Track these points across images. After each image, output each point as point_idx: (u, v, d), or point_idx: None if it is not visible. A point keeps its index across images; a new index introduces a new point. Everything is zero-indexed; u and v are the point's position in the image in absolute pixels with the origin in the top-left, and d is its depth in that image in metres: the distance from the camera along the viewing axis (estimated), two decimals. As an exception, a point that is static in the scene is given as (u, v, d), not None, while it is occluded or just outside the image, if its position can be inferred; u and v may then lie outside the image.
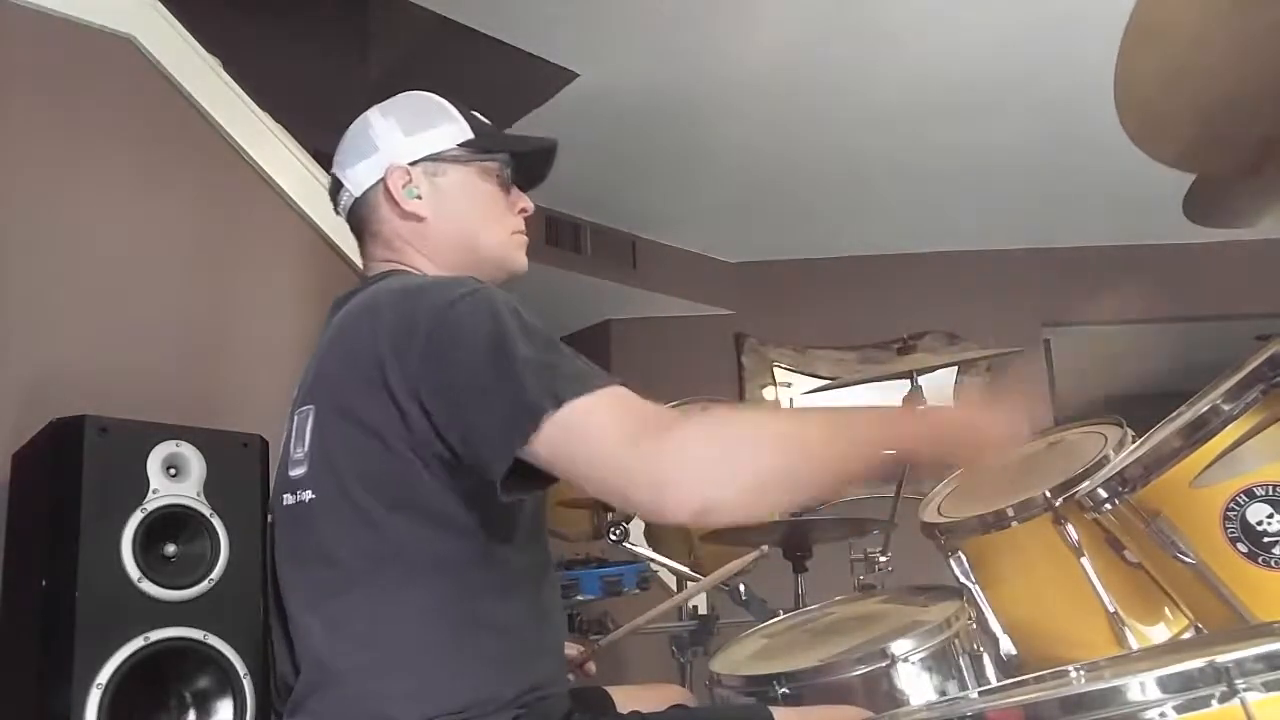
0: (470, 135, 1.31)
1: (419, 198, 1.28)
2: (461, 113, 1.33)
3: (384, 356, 1.09)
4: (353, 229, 1.35)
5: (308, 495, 1.15)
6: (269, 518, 1.26)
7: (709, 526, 2.02)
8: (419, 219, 1.28)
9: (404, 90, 1.36)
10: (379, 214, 1.30)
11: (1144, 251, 4.91)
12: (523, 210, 1.35)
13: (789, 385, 4.95)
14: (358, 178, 1.31)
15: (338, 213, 1.36)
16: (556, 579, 1.21)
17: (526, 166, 1.36)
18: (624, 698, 1.34)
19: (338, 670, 1.10)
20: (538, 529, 1.21)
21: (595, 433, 1.01)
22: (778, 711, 1.21)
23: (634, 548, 1.97)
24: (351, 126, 1.34)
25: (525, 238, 1.35)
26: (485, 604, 1.12)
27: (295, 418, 1.20)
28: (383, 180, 1.28)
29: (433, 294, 1.13)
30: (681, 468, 1.00)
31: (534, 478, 1.05)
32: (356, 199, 1.31)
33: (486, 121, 1.36)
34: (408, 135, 1.30)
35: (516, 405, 1.01)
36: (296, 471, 1.17)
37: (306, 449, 1.16)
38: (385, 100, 1.36)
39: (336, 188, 1.34)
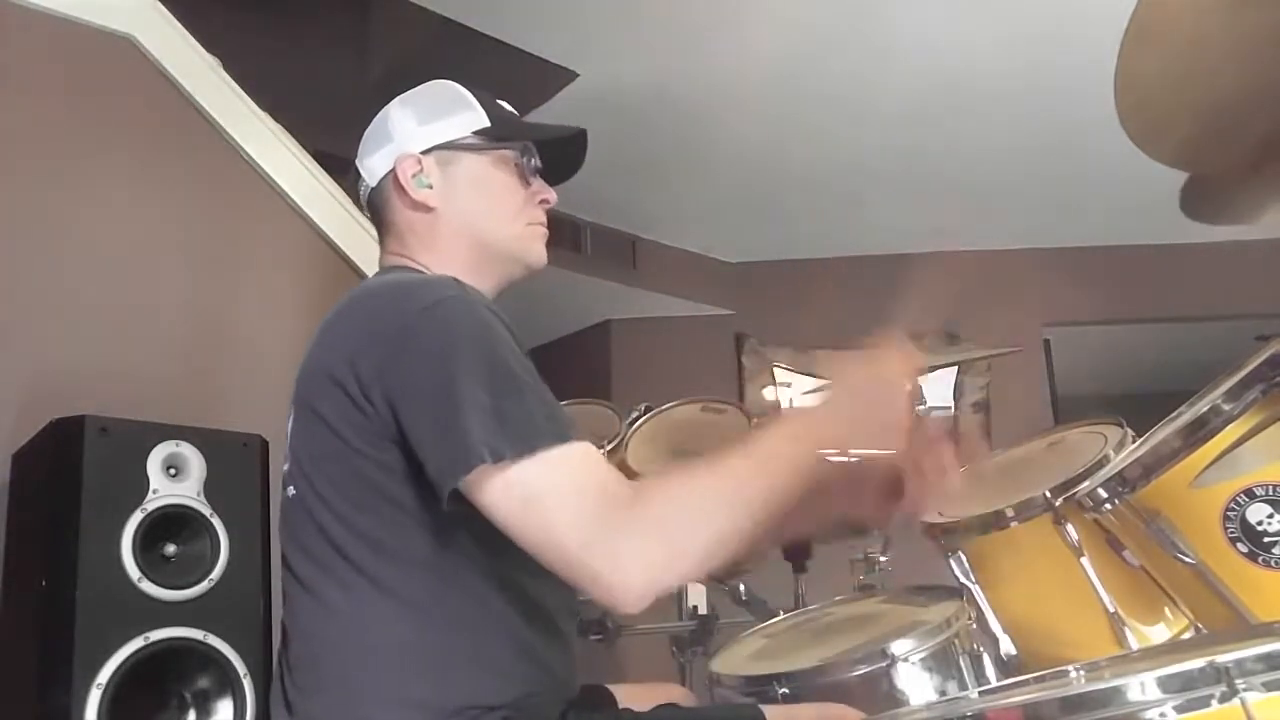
0: (486, 124, 1.27)
1: (429, 187, 1.24)
2: (481, 101, 1.29)
3: (348, 356, 1.09)
4: (372, 221, 1.34)
5: (291, 490, 1.16)
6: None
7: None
8: (428, 209, 1.25)
9: (403, 90, 1.35)
10: (391, 205, 1.28)
11: (1144, 251, 4.91)
12: (544, 201, 1.30)
13: (789, 385, 4.95)
14: (373, 167, 1.29)
15: (360, 207, 1.35)
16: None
17: (554, 157, 1.30)
18: (626, 696, 1.34)
19: (324, 670, 1.10)
20: None
21: (548, 498, 0.99)
22: (770, 710, 1.20)
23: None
24: (375, 118, 1.32)
25: (544, 230, 1.30)
26: (465, 604, 1.10)
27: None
28: (393, 170, 1.25)
29: (404, 297, 1.11)
30: (634, 556, 0.98)
31: None
32: (372, 189, 1.30)
33: (509, 110, 1.32)
34: (422, 124, 1.26)
35: (458, 446, 0.99)
36: (285, 466, 1.19)
37: (288, 447, 1.18)
38: (394, 93, 1.34)
39: (356, 179, 1.32)
